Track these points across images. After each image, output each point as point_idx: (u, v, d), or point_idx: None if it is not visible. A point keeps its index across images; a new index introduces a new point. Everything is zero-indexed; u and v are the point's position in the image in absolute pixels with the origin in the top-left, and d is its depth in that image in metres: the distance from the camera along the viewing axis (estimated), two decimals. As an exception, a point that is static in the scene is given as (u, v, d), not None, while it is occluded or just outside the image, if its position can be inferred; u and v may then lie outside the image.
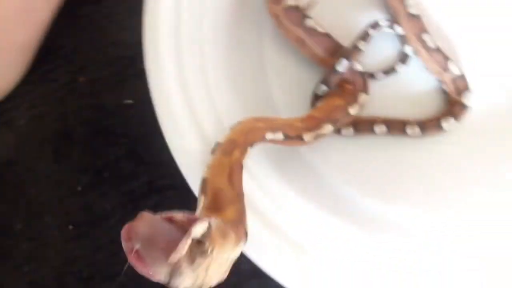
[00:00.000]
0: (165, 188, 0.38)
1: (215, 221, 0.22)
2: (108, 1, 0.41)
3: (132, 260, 0.20)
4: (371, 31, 0.37)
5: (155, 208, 0.37)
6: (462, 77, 0.37)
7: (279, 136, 0.31)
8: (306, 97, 0.38)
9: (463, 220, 0.35)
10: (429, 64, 0.38)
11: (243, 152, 0.29)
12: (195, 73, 0.34)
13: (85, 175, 0.39)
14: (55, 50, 0.41)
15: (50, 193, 0.39)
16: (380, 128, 0.36)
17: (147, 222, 0.20)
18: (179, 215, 0.21)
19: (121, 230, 0.20)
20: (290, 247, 0.32)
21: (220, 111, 0.34)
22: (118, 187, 0.38)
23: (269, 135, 0.31)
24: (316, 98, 0.37)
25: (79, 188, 0.38)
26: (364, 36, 0.37)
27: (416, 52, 0.38)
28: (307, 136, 0.33)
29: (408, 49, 0.38)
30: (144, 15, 0.35)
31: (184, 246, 0.19)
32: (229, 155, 0.28)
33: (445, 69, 0.37)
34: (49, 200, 0.39)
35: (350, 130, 0.37)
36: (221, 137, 0.30)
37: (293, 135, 0.32)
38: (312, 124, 0.33)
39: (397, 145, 0.38)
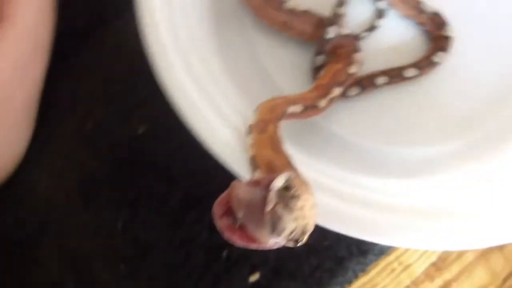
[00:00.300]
0: (203, 198, 0.39)
1: (290, 172, 0.23)
2: (93, 43, 0.43)
3: (233, 235, 0.23)
4: (344, -3, 0.40)
5: (198, 220, 0.39)
6: (437, 14, 0.40)
7: (299, 107, 0.33)
8: (306, 73, 0.40)
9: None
10: (404, 11, 0.41)
11: (276, 126, 0.31)
12: (201, 70, 0.35)
13: (121, 210, 0.39)
14: (56, 104, 0.41)
15: (92, 241, 0.39)
16: (380, 80, 0.39)
17: (241, 189, 0.22)
18: (261, 177, 0.22)
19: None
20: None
21: (232, 100, 0.35)
22: (157, 211, 0.39)
23: (290, 108, 0.33)
24: (316, 70, 0.39)
25: (119, 225, 0.39)
26: (341, 2, 0.39)
27: (389, 4, 0.41)
28: (321, 102, 0.35)
29: (382, 4, 0.41)
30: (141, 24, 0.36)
31: (274, 194, 0.21)
32: (265, 131, 0.30)
33: (420, 11, 0.40)
34: (93, 248, 0.39)
35: (355, 90, 0.39)
36: (251, 119, 0.31)
37: (310, 104, 0.34)
38: (322, 91, 0.36)
39: (394, 96, 0.41)
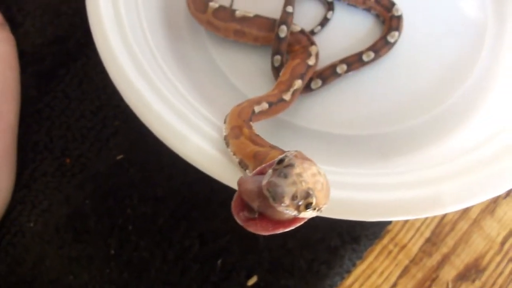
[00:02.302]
0: (190, 212, 0.41)
1: (289, 151, 0.26)
2: (59, 83, 0.45)
3: (256, 226, 0.25)
4: (291, -4, 0.42)
5: (188, 234, 0.40)
6: (383, -4, 0.42)
7: (265, 106, 0.35)
8: (267, 76, 0.42)
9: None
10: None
11: (249, 127, 0.32)
12: (166, 88, 0.37)
13: (112, 237, 0.40)
14: (32, 147, 0.43)
15: (87, 271, 0.40)
16: (341, 68, 0.41)
17: (248, 182, 0.25)
18: (263, 166, 0.25)
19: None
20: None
21: (200, 111, 0.37)
22: (147, 232, 0.40)
23: (256, 108, 0.34)
24: (276, 70, 0.41)
25: (112, 252, 0.40)
26: (288, 2, 0.42)
27: (336, -4, 0.43)
28: (286, 95, 0.36)
29: (329, -3, 0.43)
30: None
31: (270, 171, 0.24)
32: (240, 135, 0.32)
33: (366, -4, 0.43)
34: (89, 278, 0.40)
35: (318, 81, 0.41)
36: (223, 131, 0.33)
37: (275, 100, 0.36)
38: (285, 86, 0.37)
39: (356, 83, 0.43)
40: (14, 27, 0.45)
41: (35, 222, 0.41)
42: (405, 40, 0.43)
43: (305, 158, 0.26)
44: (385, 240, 0.43)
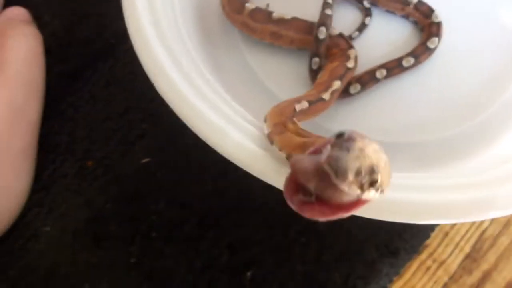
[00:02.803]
0: (219, 219, 0.38)
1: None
2: (85, 83, 0.43)
3: (313, 211, 0.22)
4: (329, 0, 0.41)
5: (217, 242, 0.37)
6: (421, 2, 0.42)
7: (305, 104, 0.33)
8: (303, 81, 0.41)
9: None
10: (389, 6, 0.42)
11: (294, 122, 0.30)
12: (206, 90, 0.35)
13: (133, 244, 0.37)
14: (54, 148, 0.41)
15: (105, 280, 0.37)
16: (380, 73, 0.39)
17: (304, 161, 0.22)
18: (318, 145, 0.23)
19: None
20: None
21: (239, 111, 0.35)
22: (172, 239, 0.37)
23: (297, 106, 0.33)
24: (313, 73, 0.39)
25: (133, 260, 0.37)
26: (326, 6, 0.41)
27: (374, 2, 0.43)
28: (325, 95, 0.35)
29: (366, 3, 0.43)
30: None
31: (329, 145, 0.22)
32: (286, 130, 0.29)
33: (404, 3, 0.42)
34: (110, 287, 0.37)
35: (357, 86, 0.39)
36: (265, 129, 0.31)
37: (314, 99, 0.34)
38: (323, 87, 0.36)
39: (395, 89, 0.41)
40: (42, 26, 0.44)
41: (52, 226, 0.38)
42: (445, 48, 0.42)
43: (359, 133, 0.23)
44: (423, 256, 0.40)
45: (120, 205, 0.39)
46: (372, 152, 0.22)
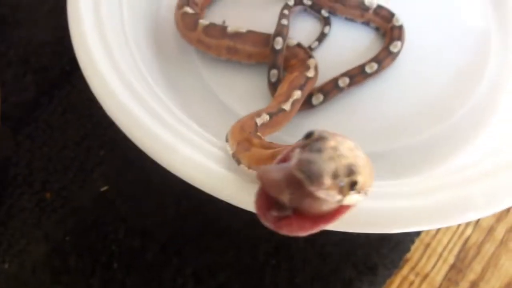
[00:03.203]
0: (182, 247, 0.36)
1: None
2: (41, 113, 0.42)
3: (291, 226, 0.19)
4: (285, 11, 0.40)
5: (181, 271, 0.35)
6: (381, 7, 0.41)
7: (265, 117, 0.32)
8: (263, 96, 0.39)
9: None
10: (348, 13, 0.41)
11: (258, 137, 0.28)
12: (159, 109, 0.33)
13: (94, 277, 0.35)
14: (11, 180, 0.39)
15: (66, 319, 0.35)
16: (343, 81, 0.38)
17: (272, 173, 0.19)
18: (286, 152, 0.21)
19: None
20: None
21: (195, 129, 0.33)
22: (134, 269, 0.35)
23: (258, 120, 0.31)
24: (273, 86, 0.38)
25: (94, 294, 0.35)
26: (283, 16, 0.40)
27: (333, 11, 0.41)
28: (286, 105, 0.33)
29: (324, 12, 0.41)
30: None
31: (298, 149, 0.20)
32: (252, 146, 0.27)
33: (364, 9, 0.41)
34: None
35: (320, 96, 0.38)
36: (229, 149, 0.29)
37: (275, 111, 0.33)
38: (283, 97, 0.34)
39: (358, 98, 0.40)
40: (-3, 57, 0.43)
41: (10, 263, 0.37)
42: (408, 52, 0.40)
43: (335, 133, 0.20)
44: (404, 270, 0.38)
45: (79, 237, 0.37)
46: (347, 150, 0.19)
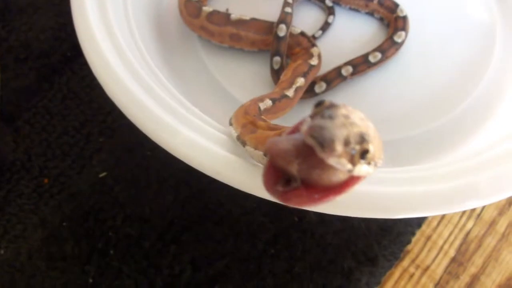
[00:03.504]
0: (180, 234, 0.36)
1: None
2: (41, 99, 0.42)
3: (299, 198, 0.19)
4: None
5: (179, 258, 0.35)
6: (385, -3, 0.40)
7: (268, 102, 0.31)
8: (265, 84, 0.39)
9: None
10: (353, 3, 0.41)
11: (263, 120, 0.28)
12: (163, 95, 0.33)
13: (90, 263, 0.35)
14: (10, 165, 0.39)
15: (62, 304, 0.34)
16: (346, 70, 0.38)
17: (282, 143, 0.19)
18: (296, 124, 0.20)
19: None
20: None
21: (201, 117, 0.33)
22: (131, 257, 0.35)
23: (261, 105, 0.31)
24: (275, 73, 0.38)
25: (91, 280, 0.34)
26: (286, 4, 0.39)
27: (337, 1, 0.41)
28: (289, 92, 0.33)
29: (329, 2, 0.41)
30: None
31: (309, 117, 0.19)
32: (257, 127, 0.27)
33: (368, -1, 0.40)
34: (64, 311, 0.34)
35: (323, 85, 0.37)
36: (233, 132, 0.29)
37: (278, 96, 0.32)
38: (287, 84, 0.34)
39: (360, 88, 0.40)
40: (-2, 41, 0.43)
41: (6, 249, 0.36)
42: (413, 43, 0.40)
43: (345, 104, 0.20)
44: (405, 262, 0.38)
45: (76, 223, 0.37)
46: (358, 119, 0.19)
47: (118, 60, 0.32)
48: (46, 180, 0.39)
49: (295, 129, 0.20)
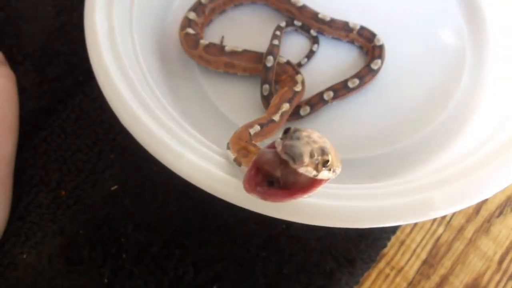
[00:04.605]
0: (183, 240, 0.42)
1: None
2: (56, 119, 0.48)
3: (277, 196, 0.27)
4: (277, 32, 0.46)
5: (182, 261, 0.41)
6: (364, 28, 0.47)
7: (257, 128, 0.38)
8: (256, 107, 0.46)
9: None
10: (334, 33, 0.48)
11: (254, 145, 0.34)
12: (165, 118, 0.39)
13: (105, 266, 0.41)
14: (29, 180, 0.45)
15: (80, 303, 0.41)
16: (328, 95, 0.44)
17: (269, 154, 0.28)
18: (273, 142, 0.28)
19: None
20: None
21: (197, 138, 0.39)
22: (141, 260, 0.41)
23: (251, 131, 0.37)
24: (265, 99, 0.44)
25: (106, 281, 0.41)
26: (274, 37, 0.46)
27: (320, 31, 0.48)
28: (275, 116, 0.40)
29: (313, 32, 0.48)
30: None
31: (280, 139, 0.27)
32: (248, 153, 0.33)
33: (348, 30, 0.47)
34: (82, 310, 0.40)
35: (307, 108, 0.44)
36: (231, 155, 0.35)
37: (265, 121, 0.39)
38: (274, 109, 0.41)
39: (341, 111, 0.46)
40: (15, 66, 0.49)
41: (28, 254, 0.43)
42: (389, 68, 0.47)
43: (302, 128, 0.29)
44: (381, 264, 0.44)
45: (91, 231, 0.43)
46: (317, 137, 0.28)
47: (131, 95, 0.38)
48: (63, 192, 0.45)
49: (271, 146, 0.28)
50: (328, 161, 0.27)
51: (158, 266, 0.42)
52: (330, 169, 0.28)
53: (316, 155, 0.26)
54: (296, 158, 0.26)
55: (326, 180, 0.29)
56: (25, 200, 0.45)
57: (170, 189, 0.44)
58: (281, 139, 0.27)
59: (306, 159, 0.26)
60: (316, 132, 0.29)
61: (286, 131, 0.28)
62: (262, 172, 0.28)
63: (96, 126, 0.48)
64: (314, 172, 0.27)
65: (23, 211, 0.44)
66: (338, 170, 0.29)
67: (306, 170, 0.26)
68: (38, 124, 0.48)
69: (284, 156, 0.26)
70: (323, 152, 0.27)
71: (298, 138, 0.27)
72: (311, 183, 0.28)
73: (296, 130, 0.28)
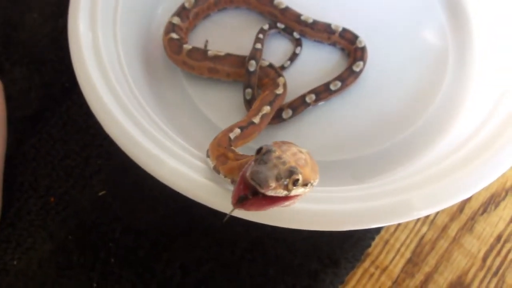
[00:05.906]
0: (170, 244, 0.45)
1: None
2: (44, 125, 0.50)
3: (252, 204, 0.29)
4: (260, 35, 0.49)
5: (169, 264, 0.43)
6: (346, 30, 0.49)
7: (237, 131, 0.40)
8: (239, 110, 0.48)
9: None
10: (317, 36, 0.50)
11: (232, 151, 0.37)
12: (147, 123, 0.41)
13: (94, 271, 0.44)
14: (19, 185, 0.48)
15: (70, 307, 0.43)
16: (310, 97, 0.46)
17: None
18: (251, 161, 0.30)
19: None
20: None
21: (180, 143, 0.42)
22: (129, 264, 0.44)
23: (231, 135, 0.39)
24: (248, 103, 0.46)
25: (95, 285, 0.43)
26: (257, 40, 0.48)
27: (303, 33, 0.50)
28: (256, 119, 0.42)
29: (296, 34, 0.50)
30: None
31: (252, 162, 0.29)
32: (228, 159, 0.36)
33: (330, 32, 0.49)
34: (72, 313, 0.43)
35: (289, 111, 0.46)
36: (210, 164, 0.37)
37: (245, 124, 0.41)
38: (254, 112, 0.43)
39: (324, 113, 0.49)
40: (2, 74, 0.51)
41: (19, 260, 0.45)
42: (371, 70, 0.49)
43: (284, 142, 0.30)
44: (366, 263, 0.46)
45: (80, 236, 0.45)
46: (290, 156, 0.29)
47: (114, 102, 0.41)
48: (52, 199, 0.48)
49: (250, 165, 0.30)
50: (298, 180, 0.28)
51: (146, 269, 0.44)
52: (304, 185, 0.29)
53: (283, 177, 0.28)
54: (262, 184, 0.27)
55: (301, 195, 0.30)
56: (15, 206, 0.47)
57: (157, 193, 0.46)
58: (254, 161, 0.29)
59: (272, 184, 0.27)
60: (294, 147, 0.30)
61: (259, 150, 0.29)
62: (248, 186, 0.29)
63: (83, 132, 0.50)
64: (285, 192, 0.28)
65: (13, 217, 0.47)
66: (315, 183, 0.31)
67: (275, 192, 0.28)
68: (26, 131, 0.50)
69: (251, 182, 0.27)
70: (291, 173, 0.28)
71: (265, 162, 0.28)
72: (286, 197, 0.29)
73: (267, 151, 0.29)
